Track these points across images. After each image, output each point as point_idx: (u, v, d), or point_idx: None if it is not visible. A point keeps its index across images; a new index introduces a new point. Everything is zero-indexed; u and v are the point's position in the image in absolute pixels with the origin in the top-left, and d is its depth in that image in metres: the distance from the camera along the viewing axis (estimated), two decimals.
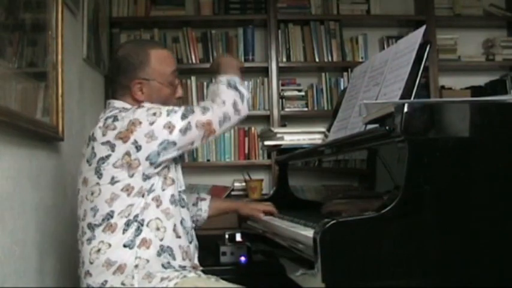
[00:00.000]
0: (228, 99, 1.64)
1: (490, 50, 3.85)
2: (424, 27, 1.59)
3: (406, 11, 3.90)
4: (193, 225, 1.83)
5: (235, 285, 1.63)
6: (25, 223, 1.82)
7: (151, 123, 1.56)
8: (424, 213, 1.21)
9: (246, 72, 3.71)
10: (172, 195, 1.65)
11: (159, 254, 1.58)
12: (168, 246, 1.60)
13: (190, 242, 1.70)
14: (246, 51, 3.72)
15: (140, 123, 1.56)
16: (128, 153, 1.56)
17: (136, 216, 1.58)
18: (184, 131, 1.57)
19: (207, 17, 3.71)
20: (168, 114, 1.58)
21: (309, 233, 1.31)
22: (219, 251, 2.47)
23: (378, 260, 1.19)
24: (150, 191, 1.60)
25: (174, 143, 1.58)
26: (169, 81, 1.74)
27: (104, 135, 1.58)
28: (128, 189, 1.57)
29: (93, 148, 1.60)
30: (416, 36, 1.58)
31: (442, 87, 3.79)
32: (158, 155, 1.57)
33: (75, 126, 2.51)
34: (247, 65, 3.70)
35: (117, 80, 1.73)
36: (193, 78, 3.71)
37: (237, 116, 1.65)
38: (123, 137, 1.55)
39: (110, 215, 1.57)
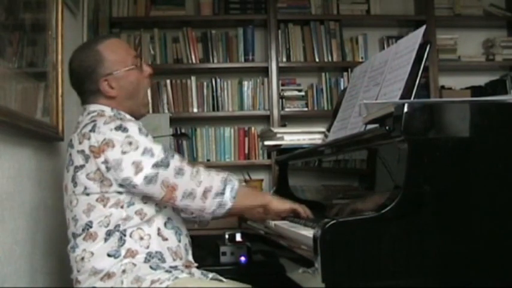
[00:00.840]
0: (207, 186, 1.54)
1: (490, 50, 3.85)
2: (424, 27, 1.59)
3: (406, 11, 3.91)
4: (188, 217, 1.78)
5: (229, 284, 1.62)
6: (25, 223, 1.82)
7: (123, 153, 1.49)
8: (424, 213, 1.21)
9: (246, 72, 3.74)
10: (156, 204, 1.59)
11: (147, 260, 1.54)
12: (156, 251, 1.56)
13: (180, 241, 1.64)
14: (246, 51, 3.72)
15: (113, 146, 1.50)
16: (99, 170, 1.51)
17: (118, 226, 1.54)
18: (149, 181, 1.49)
19: (207, 17, 3.72)
20: (143, 153, 1.50)
21: (309, 233, 1.31)
22: (219, 251, 2.47)
23: (377, 260, 1.19)
24: (130, 203, 1.55)
25: (135, 186, 1.50)
26: (130, 63, 1.69)
27: (80, 143, 1.54)
28: (103, 199, 1.53)
29: (70, 155, 1.58)
30: (416, 36, 1.58)
31: (442, 87, 3.79)
32: (122, 187, 1.52)
33: (75, 126, 2.51)
34: (247, 65, 3.71)
35: (84, 88, 1.68)
36: (193, 78, 3.71)
37: (200, 204, 1.54)
38: (95, 152, 1.51)
39: (89, 225, 1.54)
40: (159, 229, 1.59)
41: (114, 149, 1.49)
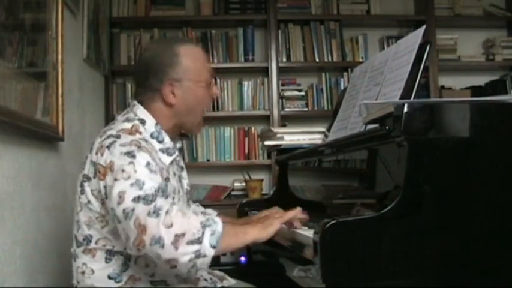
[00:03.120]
0: (179, 233, 1.29)
1: (490, 50, 3.85)
2: (424, 27, 1.59)
3: (406, 11, 3.91)
4: None
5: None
6: (25, 223, 1.82)
7: (115, 180, 1.36)
8: (424, 213, 1.21)
9: (246, 72, 3.74)
10: None
11: (151, 283, 1.48)
12: (161, 280, 1.48)
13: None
14: (246, 51, 3.72)
15: (112, 171, 1.38)
16: (100, 192, 1.42)
17: (120, 251, 1.46)
18: (126, 215, 1.33)
19: (207, 17, 3.72)
20: (132, 184, 1.34)
21: (309, 233, 1.31)
22: None
23: (377, 260, 1.19)
24: None
25: (119, 220, 1.35)
26: (204, 79, 1.58)
27: (96, 153, 1.44)
28: (102, 221, 1.45)
29: (86, 158, 1.49)
30: (416, 36, 1.58)
31: (442, 87, 3.79)
32: (112, 219, 1.39)
33: (75, 126, 2.51)
34: (247, 65, 3.71)
35: (146, 83, 1.54)
36: None
37: (172, 253, 1.29)
38: (101, 173, 1.41)
39: (89, 239, 1.47)
40: None
41: (112, 174, 1.38)
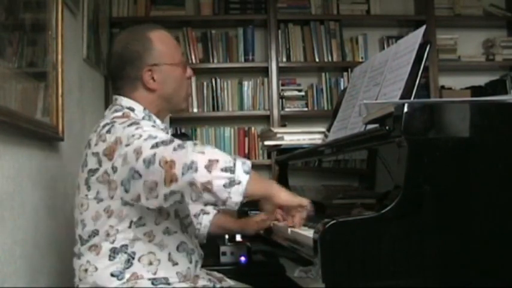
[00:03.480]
0: (212, 158, 1.27)
1: (490, 50, 3.85)
2: (424, 27, 1.59)
3: (406, 11, 3.91)
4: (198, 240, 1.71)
5: None
6: (25, 223, 1.82)
7: (127, 145, 1.37)
8: (424, 213, 1.21)
9: (246, 72, 3.74)
10: (167, 228, 1.52)
11: (151, 283, 1.49)
12: (162, 277, 1.49)
13: (191, 262, 1.57)
14: (246, 51, 3.72)
15: (121, 142, 1.39)
16: (106, 172, 1.43)
17: (125, 247, 1.47)
18: (148, 163, 1.31)
19: (207, 17, 3.72)
20: (145, 139, 1.35)
21: (309, 233, 1.31)
22: (219, 251, 2.47)
23: (377, 260, 1.19)
24: (139, 224, 1.47)
25: (139, 174, 1.33)
26: (178, 61, 1.61)
27: (95, 144, 1.46)
28: (108, 211, 1.46)
29: (86, 155, 1.50)
30: (416, 36, 1.58)
31: (442, 87, 3.79)
32: (128, 182, 1.37)
33: (75, 126, 2.51)
34: (247, 65, 3.71)
35: (123, 74, 1.56)
36: (193, 78, 3.70)
37: (206, 176, 1.25)
38: (108, 154, 1.42)
39: (95, 233, 1.48)
40: (170, 254, 1.51)
41: (122, 144, 1.38)
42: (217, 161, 1.27)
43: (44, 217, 2.02)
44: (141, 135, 1.37)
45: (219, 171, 1.26)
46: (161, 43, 1.58)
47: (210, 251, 2.44)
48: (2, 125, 1.61)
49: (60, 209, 2.20)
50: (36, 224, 1.93)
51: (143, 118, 1.55)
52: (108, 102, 3.44)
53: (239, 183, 1.27)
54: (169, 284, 1.50)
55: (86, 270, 1.49)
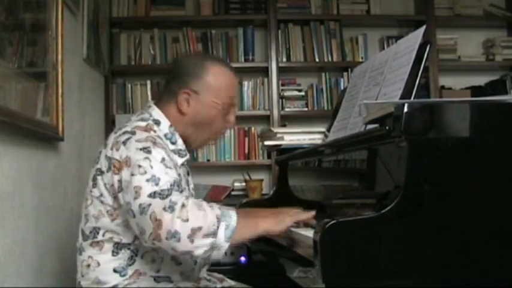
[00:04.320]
0: (195, 227, 1.32)
1: (490, 50, 3.85)
2: (424, 27, 1.59)
3: (406, 11, 3.90)
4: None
5: None
6: (25, 223, 1.82)
7: (132, 175, 1.39)
8: (424, 213, 1.21)
9: (246, 72, 3.74)
10: None
11: (154, 279, 1.50)
12: (165, 276, 1.51)
13: (196, 263, 1.58)
14: (246, 51, 3.72)
15: (129, 166, 1.41)
16: (113, 186, 1.45)
17: (128, 244, 1.48)
18: (142, 210, 1.35)
19: (207, 17, 3.71)
20: (148, 179, 1.37)
21: (309, 233, 1.31)
22: None
23: (377, 260, 1.19)
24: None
25: (133, 214, 1.37)
26: (222, 101, 1.59)
27: (111, 149, 1.47)
28: (112, 214, 1.48)
29: (100, 153, 1.52)
30: (416, 36, 1.58)
31: (442, 87, 3.79)
32: (126, 213, 1.42)
33: (75, 126, 2.51)
34: (247, 65, 3.71)
35: (168, 84, 1.61)
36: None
37: (188, 245, 1.32)
38: (116, 167, 1.44)
39: (96, 231, 1.49)
40: None
41: (128, 169, 1.40)
42: (200, 228, 1.32)
43: (44, 217, 2.02)
44: (145, 172, 1.38)
45: (201, 238, 1.33)
46: (214, 76, 1.58)
47: None
48: (2, 125, 1.61)
49: (60, 209, 2.20)
50: (36, 224, 1.93)
51: (166, 135, 1.56)
52: (108, 102, 3.45)
53: (220, 248, 1.35)
54: (171, 282, 1.51)
55: (88, 265, 1.50)
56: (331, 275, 1.17)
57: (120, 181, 1.43)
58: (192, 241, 1.32)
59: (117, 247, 1.48)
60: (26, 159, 1.87)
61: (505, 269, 1.24)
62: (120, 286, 1.47)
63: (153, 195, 1.35)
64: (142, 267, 1.49)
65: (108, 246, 1.49)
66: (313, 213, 1.55)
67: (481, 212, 1.24)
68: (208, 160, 3.69)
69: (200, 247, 1.33)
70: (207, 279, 1.65)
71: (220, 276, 1.70)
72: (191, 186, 1.71)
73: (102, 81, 3.37)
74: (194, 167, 3.66)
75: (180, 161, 1.57)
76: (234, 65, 3.67)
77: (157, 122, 1.56)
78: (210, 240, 1.33)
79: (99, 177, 1.49)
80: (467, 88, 3.80)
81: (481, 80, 3.83)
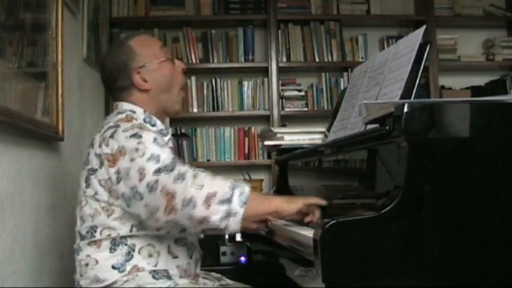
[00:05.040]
0: (209, 193, 1.35)
1: (490, 50, 3.85)
2: (424, 27, 1.59)
3: (406, 11, 3.91)
4: (199, 236, 1.73)
5: None
6: (25, 223, 1.82)
7: (131, 160, 1.42)
8: (424, 213, 1.21)
9: (246, 72, 3.74)
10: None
11: (152, 277, 1.50)
12: (163, 269, 1.52)
13: (191, 257, 1.60)
14: (246, 51, 3.73)
15: (125, 154, 1.44)
16: (110, 179, 1.47)
17: (124, 238, 1.49)
18: (150, 188, 1.37)
19: (207, 17, 3.72)
20: (148, 159, 1.41)
21: (309, 233, 1.31)
22: (219, 251, 2.47)
23: (378, 260, 1.19)
24: (139, 227, 1.49)
25: (141, 197, 1.40)
26: (162, 56, 1.67)
27: (99, 146, 1.50)
28: (107, 209, 1.49)
29: (88, 154, 1.54)
30: (416, 36, 1.58)
31: (442, 87, 3.79)
32: (129, 201, 1.43)
33: (75, 126, 2.51)
34: (247, 65, 3.71)
35: (117, 85, 1.65)
36: (193, 78, 3.71)
37: (203, 212, 1.34)
38: (110, 161, 1.46)
39: (94, 230, 1.51)
40: (169, 246, 1.54)
41: (125, 157, 1.43)
42: (214, 195, 1.36)
43: (44, 217, 2.02)
44: (144, 153, 1.42)
45: (217, 204, 1.35)
46: (141, 46, 1.66)
47: (210, 251, 2.44)
48: (2, 125, 1.61)
49: (60, 209, 2.20)
50: (36, 224, 1.93)
51: (144, 120, 1.61)
52: (108, 103, 3.45)
53: (235, 214, 1.36)
54: (170, 277, 1.52)
55: (86, 264, 1.51)
56: (331, 275, 1.17)
57: (117, 172, 1.45)
58: (207, 206, 1.34)
59: (115, 243, 1.50)
60: (26, 159, 1.87)
61: (505, 269, 1.24)
62: (119, 282, 1.48)
63: (157, 171, 1.38)
64: (140, 262, 1.50)
65: (106, 244, 1.50)
66: (324, 202, 1.58)
67: (481, 212, 1.24)
68: (208, 160, 3.69)
69: (216, 213, 1.35)
70: (206, 278, 1.65)
71: (218, 275, 1.70)
72: None
73: None
74: (194, 166, 3.67)
75: (165, 139, 1.62)
76: (234, 65, 3.71)
77: (132, 111, 1.61)
78: (225, 206, 1.35)
79: (92, 177, 1.51)
80: (467, 88, 3.80)
81: (481, 80, 3.83)
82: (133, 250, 1.50)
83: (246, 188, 1.40)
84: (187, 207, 1.34)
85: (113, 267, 1.49)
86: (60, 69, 2.15)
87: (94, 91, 3.04)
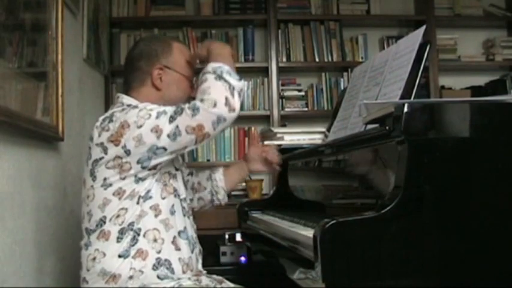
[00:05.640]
0: (219, 97, 1.49)
1: (490, 50, 3.85)
2: (424, 27, 1.59)
3: (406, 11, 3.90)
4: (196, 234, 1.75)
5: None
6: (25, 223, 1.82)
7: (140, 126, 1.48)
8: (424, 213, 1.21)
9: (246, 72, 3.74)
10: (173, 205, 1.60)
11: (155, 268, 1.52)
12: (165, 260, 1.54)
13: (192, 252, 1.64)
14: (246, 51, 3.72)
15: (129, 125, 1.49)
16: (118, 156, 1.51)
17: (132, 224, 1.53)
18: (174, 136, 1.48)
19: (207, 17, 3.71)
20: (157, 116, 1.49)
21: (309, 233, 1.31)
22: (219, 251, 2.48)
23: (377, 260, 1.19)
24: (146, 197, 1.54)
25: (164, 148, 1.49)
26: (189, 75, 1.72)
27: (99, 136, 1.54)
28: (119, 192, 1.52)
29: (89, 148, 1.57)
30: (416, 36, 1.58)
31: (442, 87, 3.79)
32: (149, 159, 1.50)
33: (75, 126, 2.51)
34: (247, 65, 3.71)
35: (137, 66, 1.67)
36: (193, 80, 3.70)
37: (232, 114, 1.50)
38: (114, 140, 1.50)
39: (103, 221, 1.53)
40: (174, 237, 1.58)
41: (131, 127, 1.48)
42: (226, 97, 1.49)
43: (44, 217, 2.02)
44: (150, 115, 1.49)
45: (236, 99, 1.52)
46: (179, 53, 1.71)
47: (210, 251, 2.44)
48: (2, 125, 1.61)
49: (60, 209, 2.20)
50: (37, 224, 1.93)
51: None
52: (108, 102, 3.45)
53: (237, 89, 1.54)
54: (172, 271, 1.54)
55: (93, 258, 1.53)
56: (331, 275, 1.17)
57: (124, 146, 1.49)
58: (232, 111, 1.50)
59: (122, 232, 1.52)
60: (26, 159, 1.87)
61: (505, 269, 1.24)
62: (123, 275, 1.50)
63: (171, 119, 1.48)
64: (145, 245, 1.53)
65: (114, 233, 1.52)
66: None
67: (481, 212, 1.24)
68: (208, 160, 3.69)
69: (236, 103, 1.51)
70: (208, 279, 1.65)
71: (220, 278, 1.70)
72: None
73: (102, 81, 3.37)
74: (194, 166, 3.66)
75: None
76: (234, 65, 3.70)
77: (130, 106, 1.61)
78: (235, 96, 1.52)
79: (97, 166, 1.54)
80: (467, 88, 3.80)
81: (481, 80, 3.83)
82: (139, 234, 1.53)
83: (225, 67, 1.55)
84: (219, 125, 1.48)
85: (119, 256, 1.51)
86: (60, 69, 2.15)
87: (94, 91, 3.04)
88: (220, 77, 1.52)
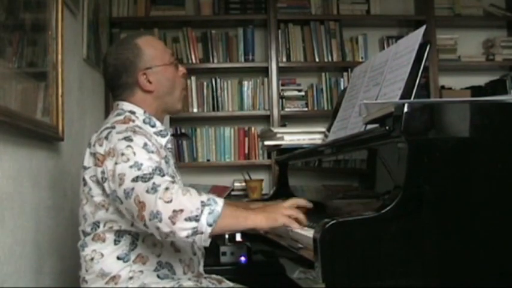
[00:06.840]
0: (177, 209, 1.32)
1: (490, 50, 3.85)
2: (424, 27, 1.59)
3: (406, 11, 3.91)
4: None
5: None
6: (25, 223, 1.82)
7: (116, 164, 1.44)
8: (424, 213, 1.21)
9: (246, 72, 3.74)
10: None
11: (156, 270, 1.52)
12: (166, 262, 1.54)
13: (195, 254, 1.63)
14: (246, 51, 3.72)
15: (113, 156, 1.45)
16: (96, 177, 1.50)
17: (129, 229, 1.51)
18: (127, 194, 1.39)
19: (207, 17, 3.72)
20: (131, 166, 1.41)
21: (309, 233, 1.31)
22: (219, 251, 2.47)
23: (377, 260, 1.19)
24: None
25: (121, 201, 1.42)
26: (168, 61, 1.68)
27: (94, 145, 1.52)
28: (104, 205, 1.51)
29: (86, 154, 1.57)
30: (416, 36, 1.58)
31: (442, 87, 3.79)
32: (113, 202, 1.47)
33: (75, 126, 2.51)
34: (247, 65, 3.71)
35: (120, 83, 1.64)
36: (193, 78, 3.71)
37: (169, 227, 1.32)
38: (100, 160, 1.49)
39: (97, 225, 1.53)
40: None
41: (113, 159, 1.45)
42: (181, 211, 1.33)
43: (44, 217, 2.02)
44: (128, 159, 1.43)
45: (183, 222, 1.33)
46: (149, 47, 1.66)
47: (210, 251, 2.44)
48: (2, 125, 1.61)
49: (60, 209, 2.20)
50: (37, 224, 1.93)
51: (144, 121, 1.63)
52: (108, 102, 3.45)
53: (202, 233, 1.34)
54: (174, 272, 1.54)
55: (91, 259, 1.53)
56: (331, 275, 1.17)
57: (103, 172, 1.47)
58: (173, 222, 1.32)
59: (118, 235, 1.52)
60: (26, 159, 1.87)
61: (505, 269, 1.24)
62: (123, 276, 1.49)
63: (136, 179, 1.39)
64: (145, 250, 1.52)
65: (110, 236, 1.52)
66: (309, 205, 1.61)
67: (481, 212, 1.24)
68: (208, 160, 3.69)
69: (182, 230, 1.32)
70: (207, 280, 1.65)
71: (219, 277, 1.70)
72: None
73: (102, 81, 3.36)
74: (194, 167, 3.68)
75: (163, 141, 1.64)
76: (234, 65, 3.71)
77: (132, 112, 1.62)
78: (192, 224, 1.32)
79: (85, 174, 1.54)
80: (467, 88, 3.80)
81: (481, 80, 3.83)
82: (137, 239, 1.52)
83: (218, 207, 1.35)
84: (154, 220, 1.33)
85: (118, 258, 1.51)
86: (60, 69, 2.15)
87: (94, 91, 3.04)
88: (203, 207, 1.34)
